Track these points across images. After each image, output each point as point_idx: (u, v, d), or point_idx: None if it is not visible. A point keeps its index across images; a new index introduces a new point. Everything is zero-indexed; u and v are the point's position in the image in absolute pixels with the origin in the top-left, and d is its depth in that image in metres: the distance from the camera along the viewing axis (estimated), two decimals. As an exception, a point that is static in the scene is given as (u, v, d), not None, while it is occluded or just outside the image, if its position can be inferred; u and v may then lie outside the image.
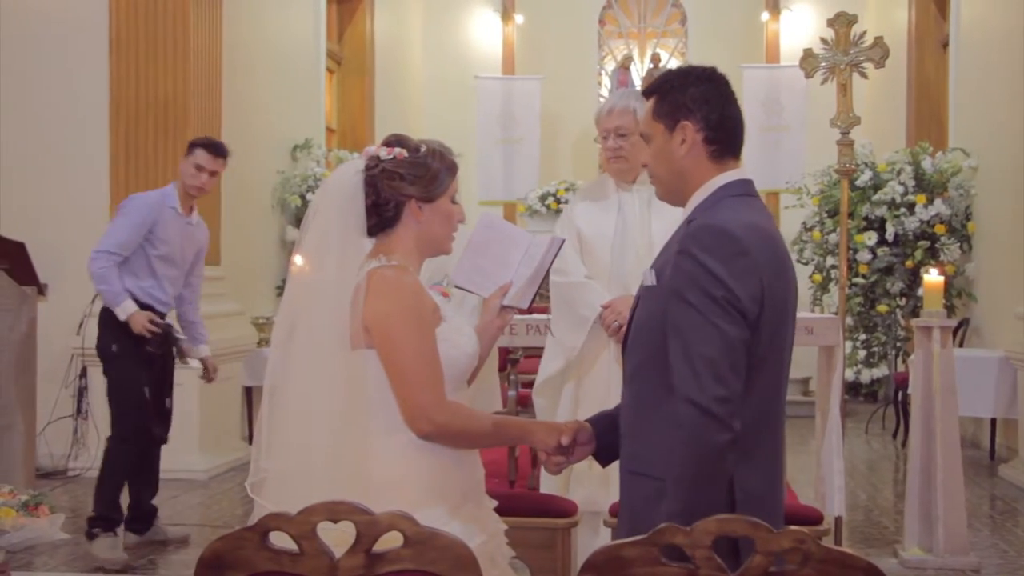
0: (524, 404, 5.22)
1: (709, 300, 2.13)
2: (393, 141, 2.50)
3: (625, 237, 4.00)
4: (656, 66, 12.33)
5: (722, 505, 2.11)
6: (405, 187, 2.45)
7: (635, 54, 12.61)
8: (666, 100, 2.35)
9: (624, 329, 3.80)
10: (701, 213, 2.28)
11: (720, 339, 2.12)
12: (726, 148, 2.34)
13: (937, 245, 8.63)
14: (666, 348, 2.19)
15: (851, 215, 8.55)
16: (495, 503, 2.60)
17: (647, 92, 2.43)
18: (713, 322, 2.12)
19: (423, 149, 2.50)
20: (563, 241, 2.87)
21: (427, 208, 2.48)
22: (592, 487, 3.85)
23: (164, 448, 6.97)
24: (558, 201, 11.18)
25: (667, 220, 3.98)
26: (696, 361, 2.12)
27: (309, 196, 9.08)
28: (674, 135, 2.33)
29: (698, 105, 2.31)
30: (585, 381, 3.99)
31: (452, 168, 2.53)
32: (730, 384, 2.12)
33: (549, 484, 4.12)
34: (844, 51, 5.80)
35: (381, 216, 2.45)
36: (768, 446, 2.27)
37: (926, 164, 8.81)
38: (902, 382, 8.35)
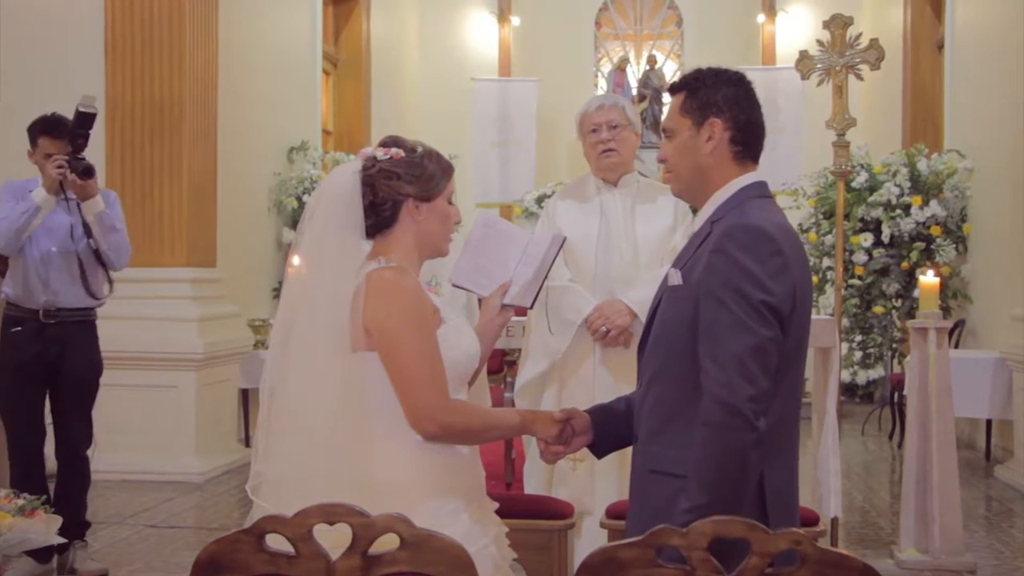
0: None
1: (743, 300, 2.14)
2: (389, 142, 2.52)
3: (609, 240, 3.97)
4: (652, 68, 12.35)
5: (745, 503, 2.12)
6: (403, 186, 2.45)
7: (631, 56, 12.61)
8: (696, 97, 2.36)
9: (612, 334, 3.83)
10: (727, 212, 2.29)
11: (752, 339, 2.12)
12: (748, 151, 2.36)
13: (933, 246, 8.64)
14: (694, 348, 2.20)
15: (847, 217, 8.56)
16: (496, 505, 2.60)
17: (675, 87, 2.43)
18: (745, 322, 2.13)
19: (419, 149, 2.51)
20: (564, 239, 2.86)
21: (424, 208, 2.48)
22: (575, 488, 3.85)
23: (160, 450, 7.01)
24: (555, 203, 11.16)
25: (652, 223, 3.96)
26: (727, 361, 2.12)
27: (305, 198, 9.06)
28: (701, 131, 2.34)
29: (729, 105, 2.34)
30: (570, 384, 3.96)
31: (448, 169, 2.54)
32: (760, 384, 2.12)
33: (532, 486, 4.11)
34: (840, 53, 5.81)
35: (379, 216, 2.45)
36: (791, 443, 2.29)
37: (922, 166, 8.82)
38: (898, 383, 8.37)
